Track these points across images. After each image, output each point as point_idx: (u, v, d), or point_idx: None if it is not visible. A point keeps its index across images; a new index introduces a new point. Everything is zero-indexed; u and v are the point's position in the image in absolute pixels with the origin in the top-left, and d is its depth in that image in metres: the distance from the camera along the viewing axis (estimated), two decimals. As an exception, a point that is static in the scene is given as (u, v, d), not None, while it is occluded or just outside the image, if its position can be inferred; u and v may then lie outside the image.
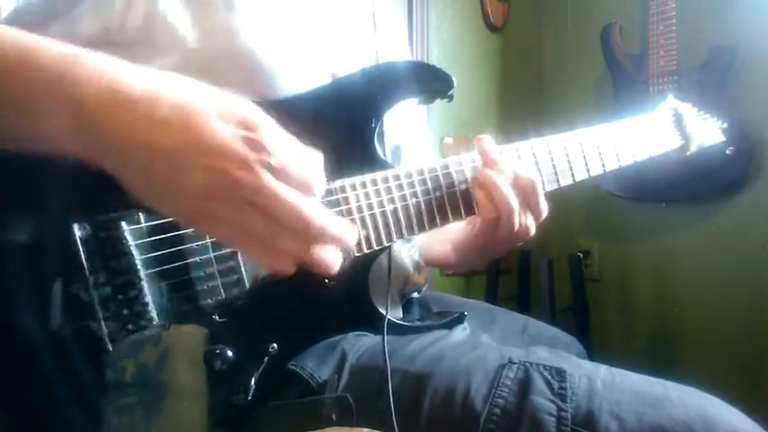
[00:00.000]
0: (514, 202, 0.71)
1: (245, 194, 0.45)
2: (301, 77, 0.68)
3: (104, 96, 0.44)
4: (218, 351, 0.58)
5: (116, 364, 0.56)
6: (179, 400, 0.58)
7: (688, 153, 1.05)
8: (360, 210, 0.65)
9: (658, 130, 0.97)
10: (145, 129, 0.44)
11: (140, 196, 0.48)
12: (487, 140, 0.73)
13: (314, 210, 0.47)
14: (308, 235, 0.47)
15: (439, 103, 0.76)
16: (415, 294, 0.91)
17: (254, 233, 0.46)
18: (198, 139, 0.44)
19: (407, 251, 0.85)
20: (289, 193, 0.46)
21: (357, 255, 0.65)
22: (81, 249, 0.54)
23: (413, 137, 0.93)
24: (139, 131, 0.44)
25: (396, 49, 0.89)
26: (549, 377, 0.58)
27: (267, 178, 0.45)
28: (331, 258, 0.49)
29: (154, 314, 0.57)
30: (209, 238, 0.59)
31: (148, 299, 0.57)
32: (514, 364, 0.60)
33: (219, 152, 0.44)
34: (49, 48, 0.47)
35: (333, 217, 0.49)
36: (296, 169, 0.46)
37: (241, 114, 0.45)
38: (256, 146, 0.44)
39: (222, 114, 0.45)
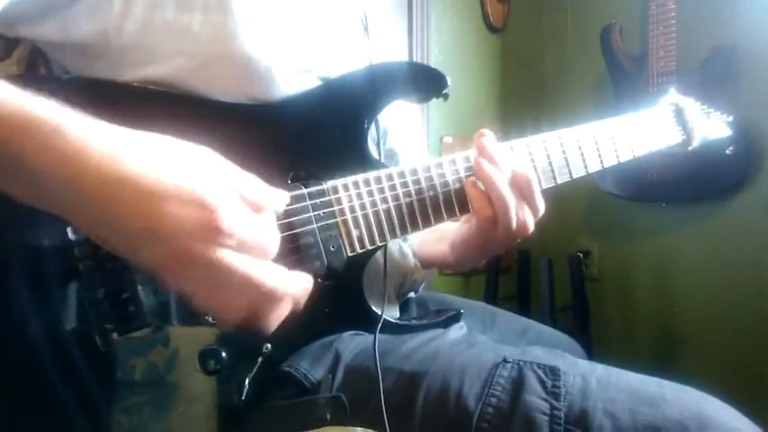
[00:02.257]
0: (510, 198, 0.70)
1: (202, 272, 0.46)
2: (296, 80, 0.68)
3: (57, 162, 0.43)
4: (211, 352, 0.58)
5: (119, 364, 0.56)
6: (188, 400, 0.58)
7: (690, 148, 1.03)
8: (352, 210, 0.65)
9: (658, 125, 0.96)
10: (96, 211, 0.44)
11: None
12: (487, 136, 0.72)
13: (265, 273, 0.48)
14: (260, 297, 0.49)
15: (439, 103, 0.76)
16: (413, 294, 0.91)
17: (208, 298, 0.48)
18: (151, 224, 0.44)
19: (403, 250, 0.85)
20: (241, 264, 0.47)
21: (351, 254, 0.65)
22: (75, 251, 0.54)
23: (407, 138, 0.93)
24: (91, 212, 0.44)
25: (389, 51, 0.88)
26: (542, 376, 0.58)
27: (223, 258, 0.45)
28: (278, 313, 0.51)
29: (147, 316, 0.57)
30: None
31: (141, 300, 0.57)
32: (508, 362, 0.60)
33: (176, 238, 0.44)
34: (14, 107, 0.44)
35: (283, 276, 0.50)
36: (252, 241, 0.47)
37: (198, 197, 0.45)
38: (213, 230, 0.45)
39: (179, 197, 0.44)
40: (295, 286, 0.51)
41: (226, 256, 0.46)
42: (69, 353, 0.54)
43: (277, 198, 0.52)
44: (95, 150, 0.44)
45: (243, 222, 0.46)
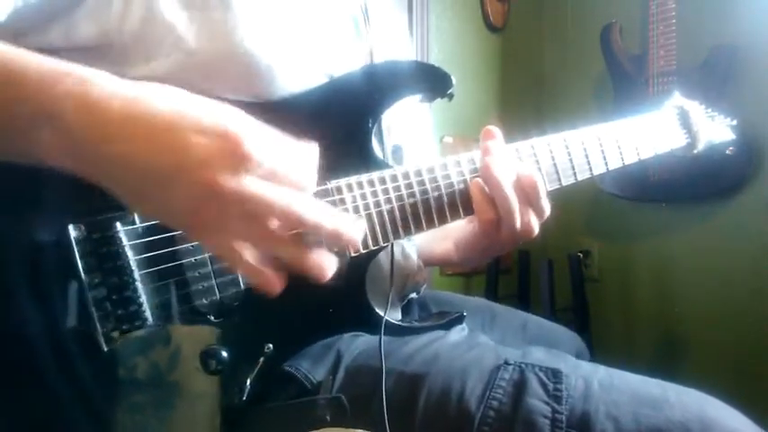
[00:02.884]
0: (514, 201, 0.70)
1: (232, 203, 0.44)
2: (298, 77, 0.68)
3: (81, 116, 0.44)
4: (213, 351, 0.58)
5: (121, 363, 0.56)
6: (190, 399, 0.58)
7: (695, 151, 1.03)
8: (356, 210, 0.65)
9: (663, 128, 0.95)
10: (123, 149, 0.44)
11: (134, 210, 0.48)
12: (495, 135, 0.72)
13: (305, 205, 0.46)
14: (303, 236, 0.47)
15: (439, 103, 0.76)
16: (414, 295, 0.91)
17: (246, 242, 0.46)
18: (177, 157, 0.43)
19: (406, 251, 0.85)
20: (276, 194, 0.45)
21: (354, 255, 0.65)
22: (76, 250, 0.54)
23: (414, 137, 0.93)
24: (117, 152, 0.44)
25: (391, 45, 0.88)
26: (544, 378, 0.58)
27: (252, 187, 0.44)
28: (324, 263, 0.49)
29: (148, 314, 0.57)
30: (210, 252, 0.59)
31: (143, 299, 0.57)
32: (510, 365, 0.60)
33: (201, 168, 0.43)
34: (29, 63, 0.46)
35: (329, 212, 0.48)
36: (283, 171, 0.46)
37: (222, 127, 0.44)
38: (239, 157, 0.44)
39: (202, 129, 0.44)
40: (344, 227, 0.48)
41: (255, 183, 0.44)
42: (71, 352, 0.54)
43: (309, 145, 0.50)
44: (120, 95, 0.45)
45: (272, 151, 0.45)
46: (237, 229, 0.46)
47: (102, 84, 0.45)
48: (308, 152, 0.49)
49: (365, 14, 0.79)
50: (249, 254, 0.46)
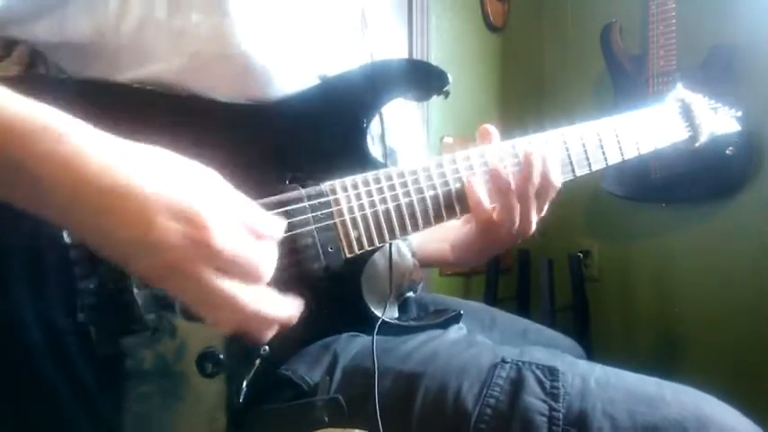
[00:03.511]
0: (515, 203, 0.70)
1: (191, 286, 0.46)
2: (294, 79, 0.68)
3: (55, 178, 0.43)
4: (209, 354, 0.58)
5: (128, 354, 0.56)
6: (196, 390, 0.58)
7: (697, 144, 1.02)
8: (351, 211, 0.65)
9: (664, 122, 0.95)
10: (94, 215, 0.44)
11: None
12: (491, 133, 0.72)
13: (251, 298, 0.48)
14: (244, 319, 0.49)
15: (439, 103, 0.76)
16: (411, 293, 0.91)
17: (200, 309, 0.49)
18: (146, 237, 0.44)
19: (402, 251, 0.85)
20: (228, 287, 0.47)
21: (349, 256, 0.65)
22: (70, 255, 0.54)
23: (406, 137, 0.93)
24: (88, 216, 0.45)
25: (389, 47, 0.88)
26: (541, 376, 0.58)
27: (209, 277, 0.46)
28: (263, 334, 0.52)
29: (144, 319, 0.57)
30: None
31: (138, 303, 0.56)
32: (507, 363, 0.60)
33: (166, 252, 0.44)
34: (6, 109, 0.44)
35: (269, 301, 0.50)
36: (241, 263, 0.47)
37: (192, 215, 0.45)
38: (204, 248, 0.45)
39: (174, 214, 0.45)
40: (281, 311, 0.51)
41: (211, 275, 0.46)
42: (65, 363, 0.54)
43: (276, 225, 0.52)
44: (96, 159, 0.44)
45: (235, 243, 0.47)
46: (197, 303, 0.48)
47: (79, 144, 0.44)
48: (273, 230, 0.51)
49: (363, 19, 0.79)
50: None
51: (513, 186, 0.70)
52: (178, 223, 0.44)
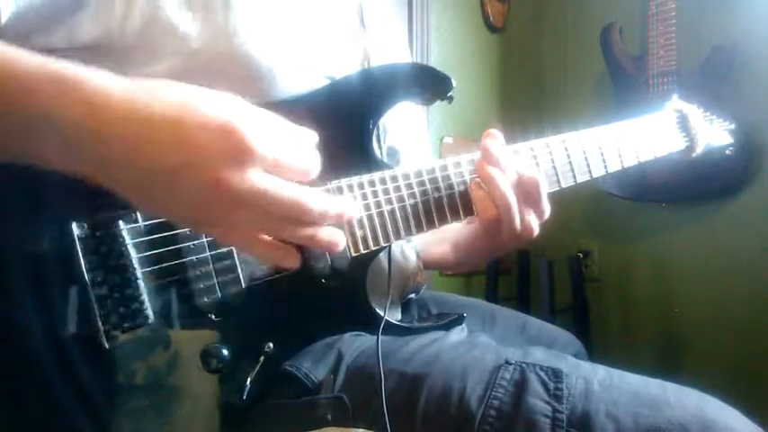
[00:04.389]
0: (513, 200, 0.70)
1: (240, 199, 0.45)
2: (299, 79, 0.68)
3: (81, 112, 0.43)
4: (213, 350, 0.58)
5: (120, 368, 0.56)
6: (189, 402, 0.58)
7: (694, 155, 1.04)
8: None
9: (662, 132, 0.96)
10: (124, 151, 0.44)
11: (140, 209, 0.48)
12: (494, 136, 0.72)
13: (311, 197, 0.48)
14: (310, 222, 0.49)
15: (439, 104, 0.76)
16: (413, 295, 0.91)
17: (257, 232, 0.48)
18: (180, 156, 0.43)
19: (406, 253, 0.85)
20: (283, 189, 0.46)
21: (354, 255, 0.65)
22: (78, 248, 0.55)
23: (411, 139, 0.93)
24: (118, 154, 0.44)
25: (387, 46, 0.88)
26: (545, 378, 0.58)
27: (258, 181, 0.45)
28: (335, 237, 0.51)
29: (150, 313, 0.57)
30: (220, 243, 0.59)
31: (144, 297, 0.57)
32: (511, 364, 0.60)
33: (205, 166, 0.43)
34: (22, 63, 0.45)
35: (330, 198, 0.50)
36: (287, 162, 0.47)
37: (223, 121, 0.44)
38: (242, 152, 0.44)
39: (204, 124, 0.44)
40: (342, 207, 0.50)
41: (259, 178, 0.45)
42: (73, 350, 0.54)
43: (305, 130, 0.51)
44: (117, 94, 0.44)
45: (274, 142, 0.45)
46: (247, 222, 0.47)
47: (98, 83, 0.44)
48: (308, 137, 0.50)
49: (361, 17, 0.79)
50: (261, 239, 0.49)
51: (498, 181, 0.70)
52: (213, 135, 0.44)
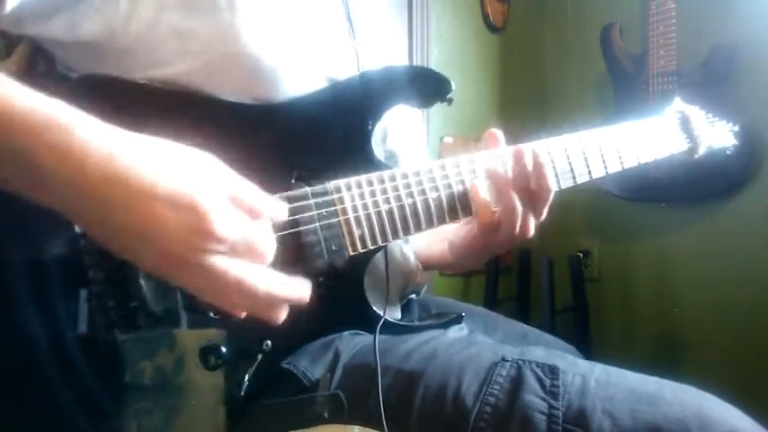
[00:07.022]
0: (518, 204, 0.70)
1: (196, 276, 0.47)
2: (301, 80, 0.69)
3: (61, 172, 0.44)
4: (212, 347, 0.59)
5: (127, 367, 0.56)
6: (195, 401, 0.59)
7: (696, 156, 1.04)
8: (355, 209, 0.65)
9: (664, 133, 0.96)
10: (95, 206, 0.45)
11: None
12: (498, 138, 0.72)
13: (259, 279, 0.49)
14: (256, 301, 0.50)
15: (439, 104, 0.76)
16: (414, 296, 0.91)
17: (208, 297, 0.50)
18: (147, 227, 0.45)
19: (404, 252, 0.85)
20: (235, 270, 0.48)
21: (352, 254, 0.65)
22: (82, 246, 0.55)
23: (407, 140, 0.93)
24: (93, 209, 0.46)
25: (378, 48, 0.88)
26: (541, 375, 0.58)
27: (213, 264, 0.47)
28: (276, 315, 0.52)
29: (152, 311, 0.57)
30: None
31: (147, 298, 0.57)
32: (507, 361, 0.60)
33: (168, 242, 0.45)
34: (15, 102, 0.45)
35: (278, 281, 0.51)
36: (243, 246, 0.48)
37: (191, 202, 0.46)
38: (204, 234, 0.46)
39: (173, 203, 0.45)
40: (291, 292, 0.52)
41: (217, 261, 0.47)
42: (78, 357, 0.55)
43: (275, 206, 0.52)
44: (97, 151, 0.45)
45: (235, 227, 0.47)
46: (205, 291, 0.49)
47: (83, 137, 0.45)
48: (276, 210, 0.52)
49: (349, 18, 0.79)
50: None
51: (511, 183, 0.71)
52: (178, 212, 0.45)
